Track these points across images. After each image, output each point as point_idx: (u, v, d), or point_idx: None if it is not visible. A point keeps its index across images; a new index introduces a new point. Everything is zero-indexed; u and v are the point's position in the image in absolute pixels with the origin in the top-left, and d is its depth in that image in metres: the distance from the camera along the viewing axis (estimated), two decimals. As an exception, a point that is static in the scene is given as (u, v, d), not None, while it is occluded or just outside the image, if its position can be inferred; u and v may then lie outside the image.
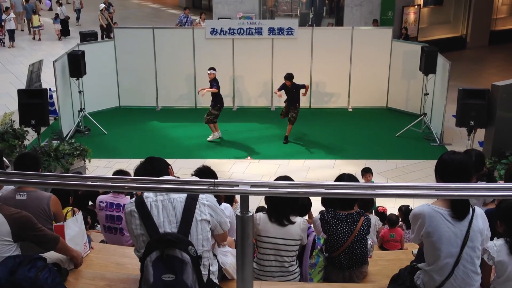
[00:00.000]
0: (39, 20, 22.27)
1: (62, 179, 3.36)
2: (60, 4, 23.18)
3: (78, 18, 24.81)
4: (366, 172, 8.84)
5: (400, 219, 7.72)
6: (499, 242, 3.46)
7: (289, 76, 11.57)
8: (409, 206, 7.92)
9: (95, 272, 4.00)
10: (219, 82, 11.95)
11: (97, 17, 21.09)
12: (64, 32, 22.61)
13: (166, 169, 3.46)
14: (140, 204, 3.11)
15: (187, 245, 3.00)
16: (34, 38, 22.29)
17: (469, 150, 5.27)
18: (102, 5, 20.94)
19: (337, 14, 19.32)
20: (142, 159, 3.55)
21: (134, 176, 3.47)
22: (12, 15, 20.97)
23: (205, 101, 14.09)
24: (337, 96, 14.29)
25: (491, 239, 3.50)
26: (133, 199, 3.20)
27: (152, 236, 3.04)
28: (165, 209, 3.09)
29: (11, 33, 20.95)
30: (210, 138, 12.23)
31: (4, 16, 21.11)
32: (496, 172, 9.29)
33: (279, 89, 11.83)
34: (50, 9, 27.50)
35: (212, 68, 11.88)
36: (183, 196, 3.12)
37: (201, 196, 3.15)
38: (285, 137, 12.16)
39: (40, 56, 16.76)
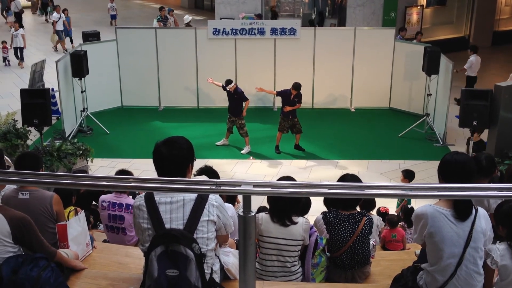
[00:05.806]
0: None
1: (64, 178, 3.37)
2: None
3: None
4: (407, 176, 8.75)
5: (402, 218, 7.71)
6: (502, 247, 3.45)
7: (298, 86, 11.20)
8: (409, 205, 7.92)
9: (97, 271, 4.01)
10: (222, 82, 11.83)
11: None
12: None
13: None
14: (149, 199, 3.15)
15: (191, 242, 3.03)
16: None
17: (479, 153, 5.20)
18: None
19: (340, 14, 19.31)
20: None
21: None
22: (20, 30, 18.44)
23: (208, 101, 14.15)
24: (339, 96, 14.28)
25: (493, 242, 3.49)
26: (143, 193, 3.23)
27: (158, 231, 3.07)
28: (174, 206, 3.12)
29: (19, 51, 18.18)
30: (244, 151, 11.73)
31: (12, 31, 18.77)
32: (499, 173, 9.26)
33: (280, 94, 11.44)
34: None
35: (229, 82, 11.35)
36: (193, 195, 3.15)
37: (210, 196, 3.18)
38: (296, 145, 11.79)
39: (42, 56, 16.76)
